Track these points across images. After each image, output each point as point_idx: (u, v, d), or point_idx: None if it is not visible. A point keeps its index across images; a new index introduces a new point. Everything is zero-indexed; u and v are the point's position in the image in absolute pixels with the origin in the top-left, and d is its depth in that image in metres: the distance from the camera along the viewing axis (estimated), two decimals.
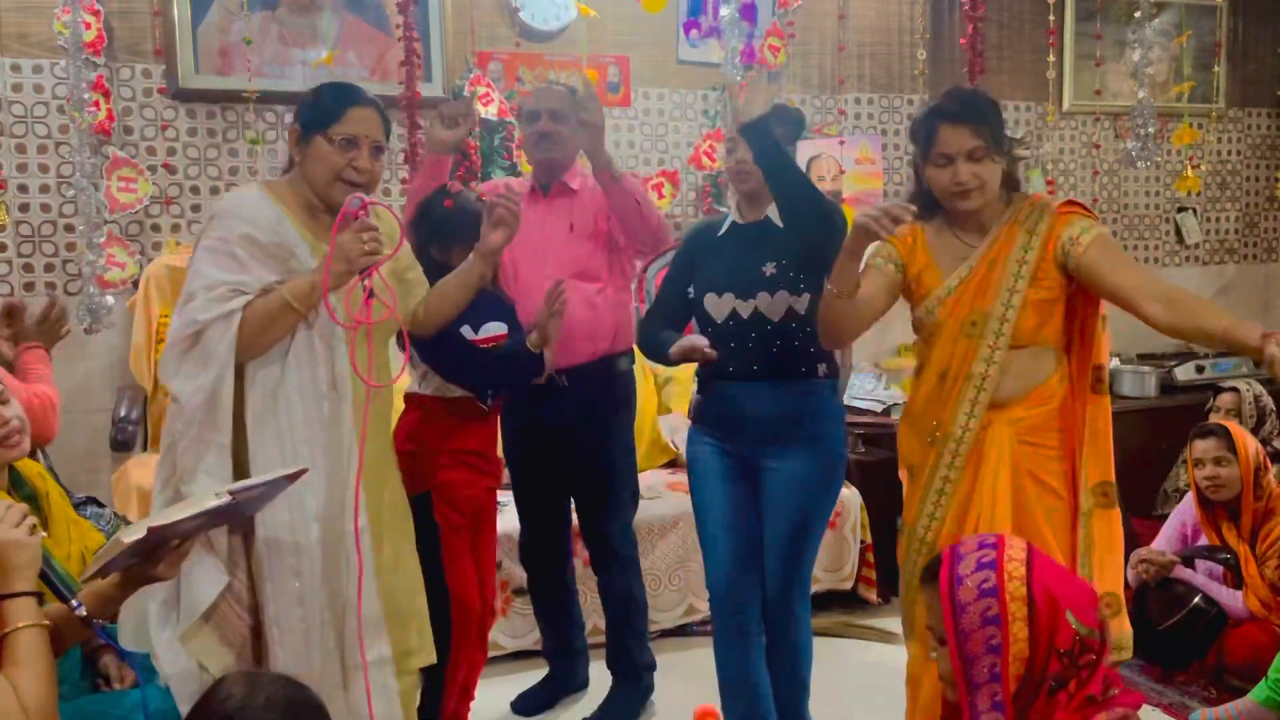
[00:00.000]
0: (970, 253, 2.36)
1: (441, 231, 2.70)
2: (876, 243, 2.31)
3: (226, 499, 1.87)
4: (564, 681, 3.32)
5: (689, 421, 2.82)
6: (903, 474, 2.52)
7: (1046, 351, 2.35)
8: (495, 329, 2.78)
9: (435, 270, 2.57)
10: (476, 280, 2.45)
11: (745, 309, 2.63)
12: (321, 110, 2.22)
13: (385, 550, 2.29)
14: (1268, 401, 4.05)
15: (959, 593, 1.61)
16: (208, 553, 2.09)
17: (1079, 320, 2.38)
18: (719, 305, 2.67)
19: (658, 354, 2.75)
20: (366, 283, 2.14)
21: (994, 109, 2.36)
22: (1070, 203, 2.37)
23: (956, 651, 1.61)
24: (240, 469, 2.12)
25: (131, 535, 1.87)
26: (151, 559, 1.88)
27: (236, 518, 2.07)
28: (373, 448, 2.26)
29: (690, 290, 2.76)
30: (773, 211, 2.66)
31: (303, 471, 2.03)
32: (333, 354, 2.18)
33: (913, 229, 2.42)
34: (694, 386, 2.82)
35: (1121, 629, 2.40)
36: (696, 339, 2.63)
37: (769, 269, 2.62)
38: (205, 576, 2.09)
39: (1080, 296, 2.36)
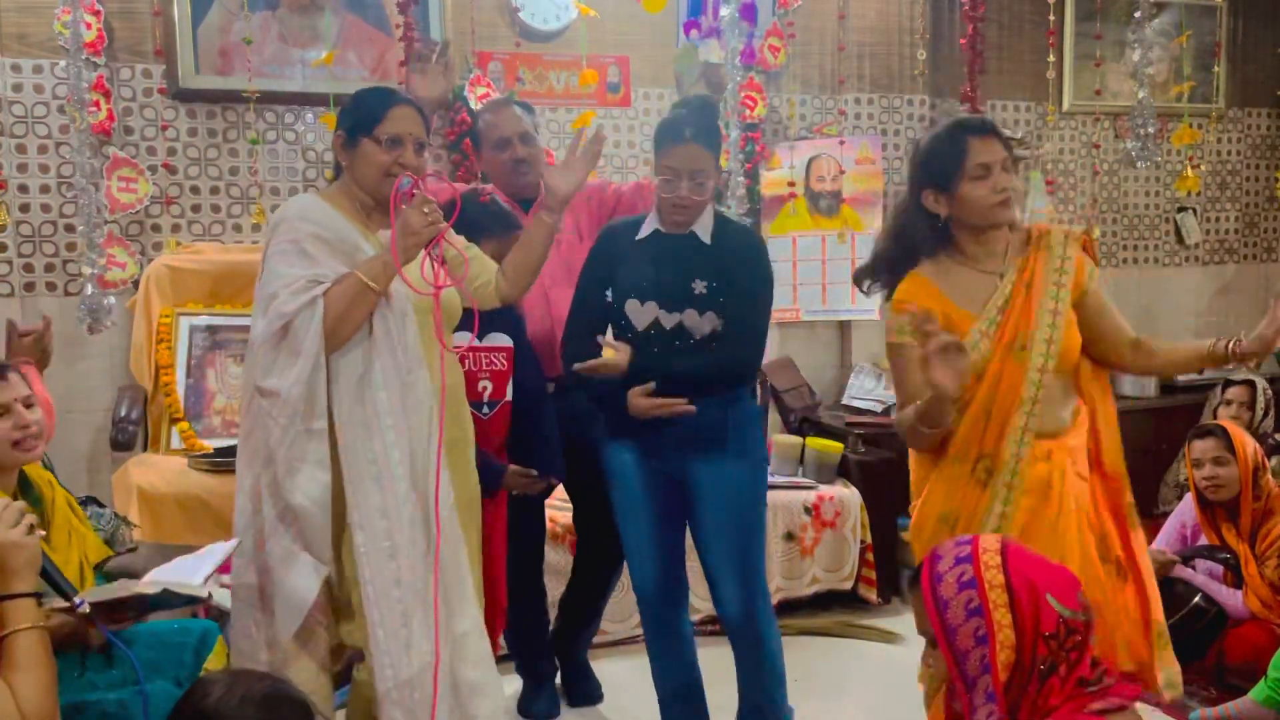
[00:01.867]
0: (995, 282, 2.33)
1: (469, 229, 2.70)
2: (898, 317, 2.34)
3: (207, 593, 2.02)
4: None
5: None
6: (921, 528, 2.38)
7: (1072, 382, 2.38)
8: (499, 339, 2.81)
9: None
10: (549, 233, 2.53)
11: (669, 321, 2.61)
12: (365, 114, 2.34)
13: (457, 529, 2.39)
14: (1270, 395, 4.05)
15: (940, 590, 1.65)
16: (301, 549, 2.21)
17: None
18: (641, 314, 2.63)
19: (567, 367, 2.69)
20: (436, 252, 2.27)
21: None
22: (1085, 236, 2.42)
23: (947, 649, 1.63)
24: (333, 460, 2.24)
25: (146, 589, 1.92)
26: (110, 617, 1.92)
27: (185, 604, 2.12)
28: (450, 423, 2.37)
29: (609, 295, 2.68)
30: (700, 228, 2.62)
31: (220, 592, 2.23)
32: (406, 335, 2.29)
33: (914, 281, 2.36)
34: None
35: (1171, 666, 2.40)
36: (609, 361, 2.58)
37: (699, 287, 2.59)
38: (303, 571, 2.21)
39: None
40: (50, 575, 1.87)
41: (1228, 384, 4.15)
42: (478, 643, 2.36)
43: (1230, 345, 2.23)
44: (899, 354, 2.35)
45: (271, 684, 1.67)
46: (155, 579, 2.03)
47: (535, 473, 2.86)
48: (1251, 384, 4.05)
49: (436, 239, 2.25)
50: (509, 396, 2.86)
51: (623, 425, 2.65)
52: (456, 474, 2.42)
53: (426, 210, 2.21)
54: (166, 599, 1.98)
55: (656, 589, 2.73)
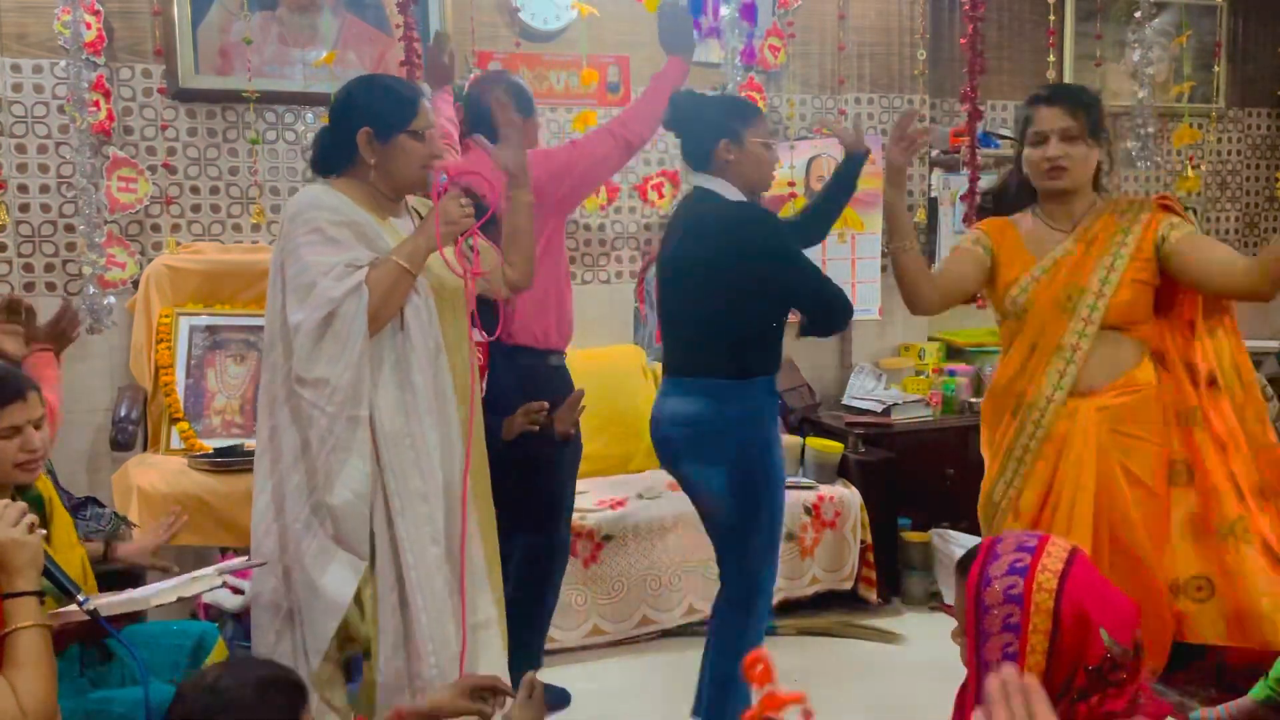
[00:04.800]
0: (1064, 238, 2.48)
1: None
2: (970, 231, 2.58)
3: (222, 582, 2.03)
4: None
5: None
6: (985, 453, 2.61)
7: (1133, 342, 2.45)
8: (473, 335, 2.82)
9: None
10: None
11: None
12: (401, 109, 2.31)
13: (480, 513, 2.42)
14: (1270, 391, 4.05)
15: (985, 594, 1.59)
16: (337, 546, 2.20)
17: (1176, 318, 2.50)
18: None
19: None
20: (473, 242, 2.33)
21: (1094, 100, 2.49)
22: (1166, 197, 2.52)
23: (973, 651, 1.59)
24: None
25: (160, 599, 1.94)
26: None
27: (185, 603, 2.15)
28: (466, 413, 2.39)
29: None
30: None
31: (262, 564, 2.22)
32: (434, 321, 2.32)
33: (1002, 219, 2.58)
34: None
35: None
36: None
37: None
38: (340, 570, 2.20)
39: (1176, 296, 2.48)
40: (53, 574, 1.87)
41: None
42: (494, 633, 2.39)
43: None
44: (954, 250, 2.62)
45: (271, 668, 1.68)
46: (161, 588, 2.04)
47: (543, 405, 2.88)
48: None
49: (470, 230, 2.30)
50: (481, 391, 2.86)
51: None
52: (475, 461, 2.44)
53: (464, 202, 2.27)
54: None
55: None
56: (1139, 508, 2.41)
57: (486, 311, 2.53)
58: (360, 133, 2.29)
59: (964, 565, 1.66)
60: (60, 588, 1.88)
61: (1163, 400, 2.48)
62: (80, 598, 1.90)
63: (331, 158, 2.35)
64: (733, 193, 2.66)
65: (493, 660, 2.36)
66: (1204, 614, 2.43)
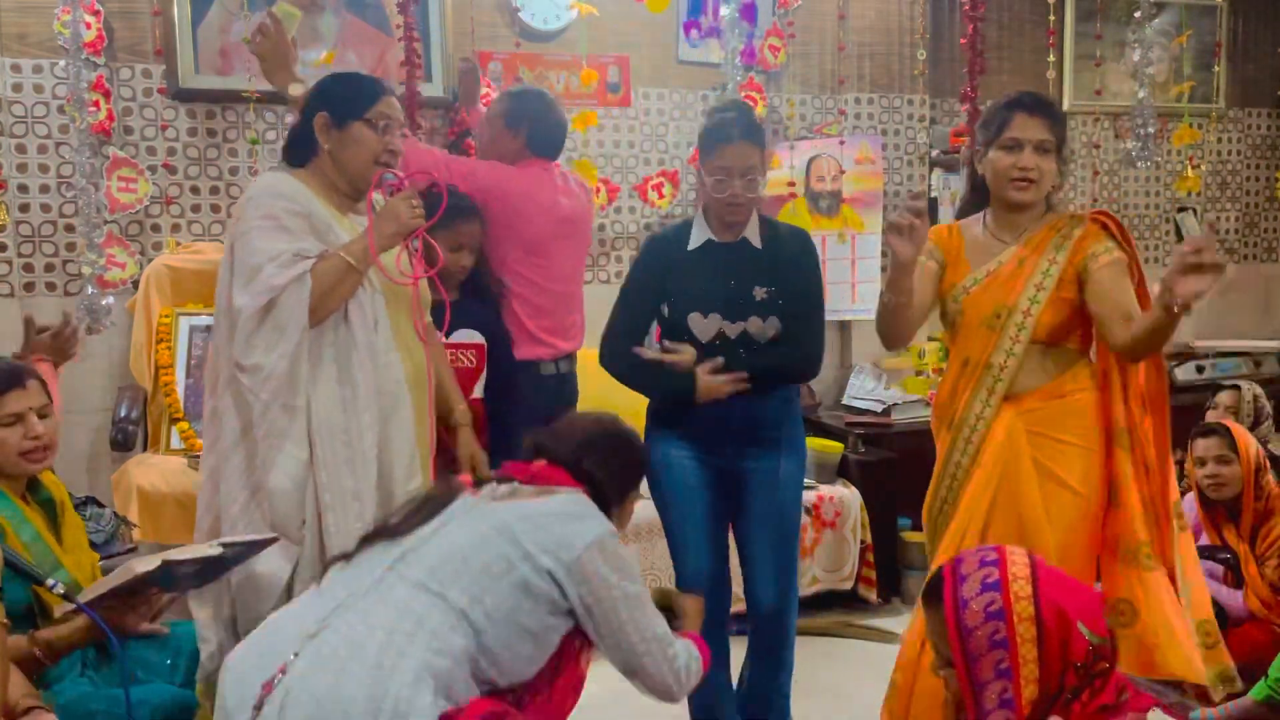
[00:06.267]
0: (1003, 249, 2.44)
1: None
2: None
3: (219, 550, 1.96)
4: None
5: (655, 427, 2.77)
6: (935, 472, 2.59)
7: (1064, 351, 2.41)
8: (470, 336, 2.81)
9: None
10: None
11: (733, 330, 2.63)
12: (358, 96, 2.31)
13: None
14: (1265, 404, 4.05)
15: (964, 617, 1.58)
16: (275, 532, 2.18)
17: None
18: (705, 326, 2.64)
19: (647, 383, 2.71)
20: (416, 245, 2.32)
21: (1064, 117, 2.51)
22: (1103, 214, 2.44)
23: (965, 676, 1.57)
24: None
25: (144, 566, 1.90)
26: (127, 603, 1.90)
27: (212, 573, 2.10)
28: (421, 411, 2.37)
29: (665, 308, 2.70)
30: (751, 233, 2.65)
31: (274, 539, 2.15)
32: (381, 318, 2.30)
33: (953, 226, 2.53)
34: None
35: (1222, 662, 2.39)
36: (678, 359, 2.60)
37: (760, 293, 2.62)
38: (274, 554, 2.17)
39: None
40: (15, 564, 1.87)
41: (1217, 389, 4.17)
42: None
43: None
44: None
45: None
46: (150, 556, 2.02)
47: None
48: (1237, 388, 4.07)
49: (418, 231, 2.28)
50: (478, 394, 2.86)
51: (682, 421, 2.68)
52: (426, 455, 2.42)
53: (415, 202, 2.26)
54: (167, 572, 1.96)
55: (709, 583, 2.72)
56: (1055, 506, 2.33)
57: (434, 310, 2.51)
58: (318, 116, 2.30)
59: (930, 595, 1.65)
60: (27, 575, 1.88)
61: (1104, 412, 2.39)
62: (49, 581, 1.90)
63: (297, 147, 2.35)
64: None
65: None
66: (1125, 641, 2.27)
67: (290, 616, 1.86)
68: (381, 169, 2.29)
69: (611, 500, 2.04)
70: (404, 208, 2.25)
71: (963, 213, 2.62)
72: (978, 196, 2.53)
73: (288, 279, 2.15)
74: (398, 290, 2.33)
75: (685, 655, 1.98)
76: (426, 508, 1.95)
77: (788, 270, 2.64)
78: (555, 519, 1.88)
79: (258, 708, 1.67)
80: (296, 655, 1.71)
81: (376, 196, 2.31)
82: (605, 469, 2.04)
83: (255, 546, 2.11)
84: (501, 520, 1.87)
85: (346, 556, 1.95)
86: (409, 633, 1.71)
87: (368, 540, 1.94)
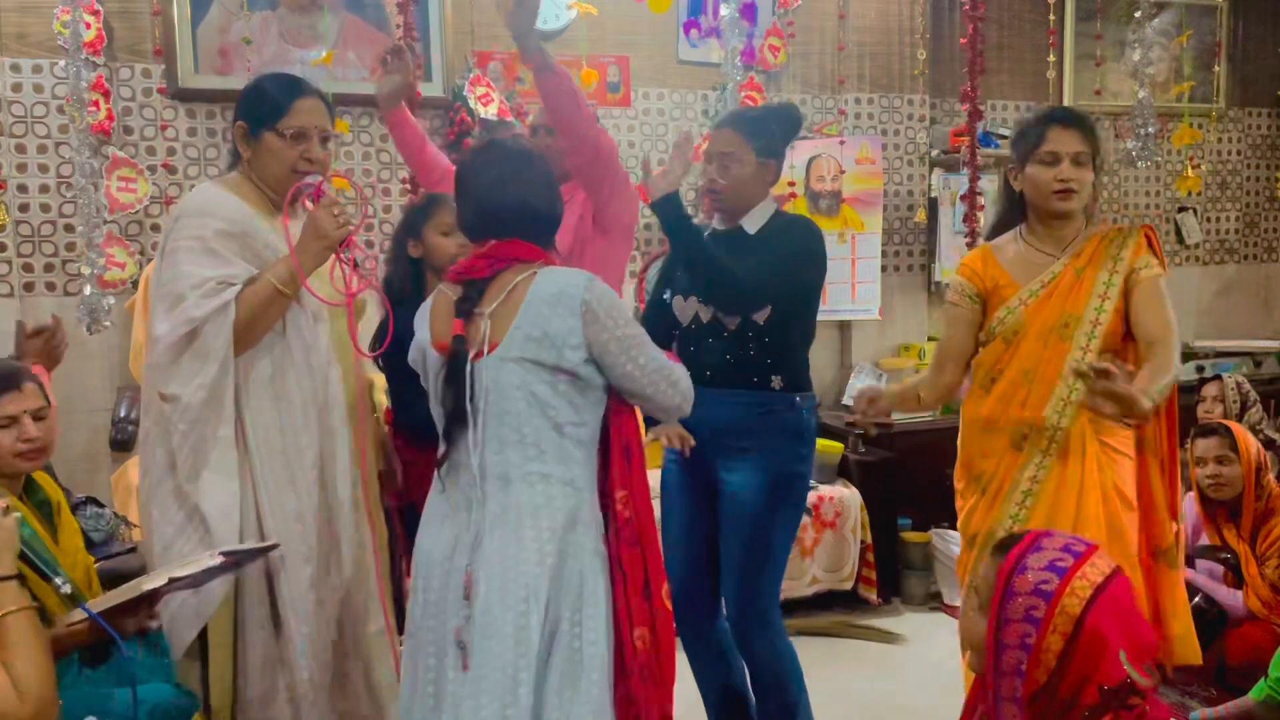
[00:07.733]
0: (1052, 262, 2.46)
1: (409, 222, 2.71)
2: (955, 278, 2.54)
3: (220, 560, 1.95)
4: None
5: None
6: (959, 483, 2.57)
7: (1121, 357, 2.44)
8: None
9: (407, 263, 2.65)
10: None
11: (705, 313, 2.61)
12: (268, 105, 2.22)
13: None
14: (1250, 389, 4.08)
15: (1015, 580, 1.59)
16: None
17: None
18: (684, 309, 2.66)
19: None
20: (348, 255, 2.21)
21: (1096, 129, 2.49)
22: (1148, 228, 2.49)
23: (993, 632, 1.60)
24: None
25: (153, 583, 1.91)
26: (128, 609, 1.91)
27: (208, 577, 2.08)
28: (357, 428, 2.30)
29: (667, 293, 2.71)
30: (749, 221, 2.63)
31: (275, 545, 2.12)
32: (318, 336, 2.22)
33: (982, 250, 2.56)
34: None
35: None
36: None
37: None
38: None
39: None
40: (31, 559, 1.87)
41: (1202, 382, 4.21)
42: (387, 645, 2.32)
43: None
44: (946, 314, 2.59)
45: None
46: (158, 573, 2.03)
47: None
48: (1219, 378, 4.13)
49: (347, 241, 2.17)
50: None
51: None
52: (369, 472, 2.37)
53: (336, 212, 2.14)
54: (198, 576, 1.98)
55: (682, 590, 2.62)
56: (1119, 524, 2.42)
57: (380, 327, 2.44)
58: (236, 126, 2.26)
59: (1001, 548, 1.66)
60: (39, 571, 1.88)
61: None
62: (57, 580, 1.91)
63: (235, 151, 2.30)
64: None
65: (388, 667, 2.32)
66: None
67: (433, 541, 2.00)
68: (299, 180, 2.20)
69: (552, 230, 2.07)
70: (327, 220, 2.13)
71: (995, 231, 2.62)
72: (1014, 213, 2.55)
73: (209, 309, 2.08)
74: (336, 306, 2.25)
75: (684, 379, 2.08)
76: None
77: (775, 257, 2.55)
78: (540, 320, 1.93)
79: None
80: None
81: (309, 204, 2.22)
82: (534, 217, 2.02)
83: (256, 554, 2.11)
84: (513, 375, 1.94)
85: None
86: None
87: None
